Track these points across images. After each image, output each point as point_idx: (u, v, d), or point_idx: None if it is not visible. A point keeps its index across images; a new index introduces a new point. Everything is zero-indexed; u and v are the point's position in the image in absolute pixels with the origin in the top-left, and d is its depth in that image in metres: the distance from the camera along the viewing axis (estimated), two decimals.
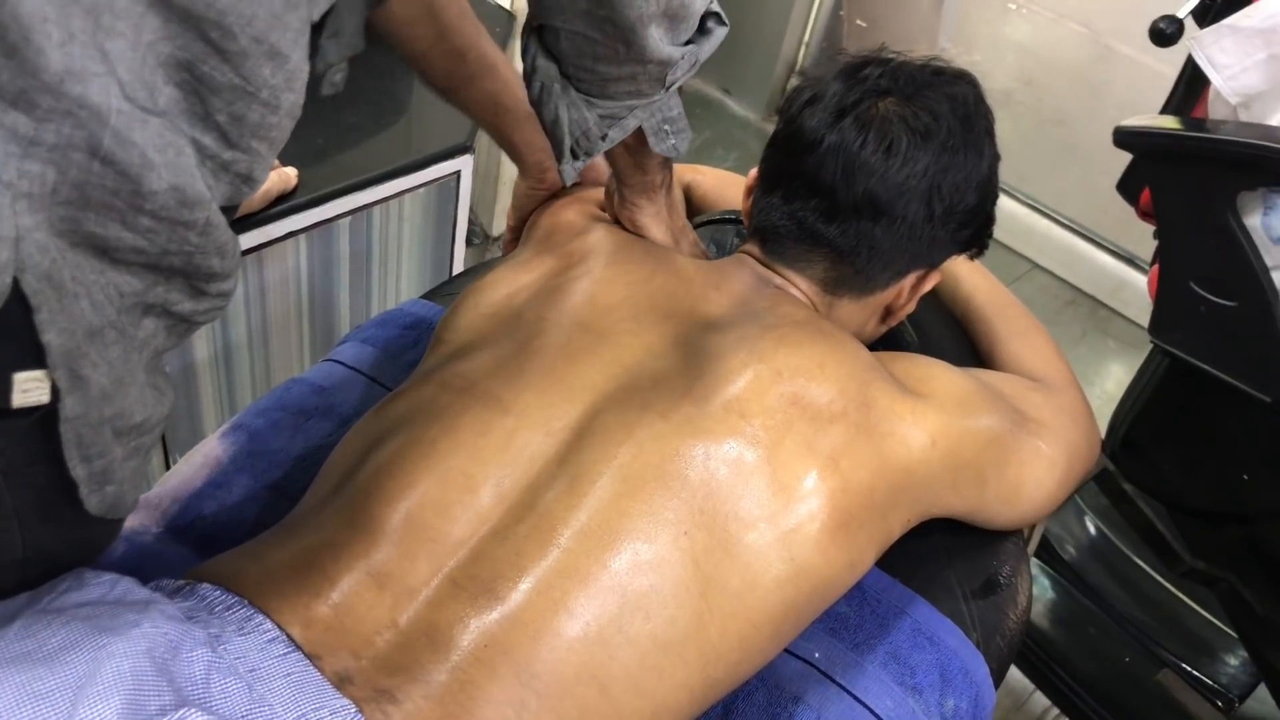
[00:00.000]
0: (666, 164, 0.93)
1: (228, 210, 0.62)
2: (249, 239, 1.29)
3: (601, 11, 0.71)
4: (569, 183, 0.86)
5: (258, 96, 0.57)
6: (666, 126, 0.85)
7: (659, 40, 0.74)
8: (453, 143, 1.47)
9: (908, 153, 0.84)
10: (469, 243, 2.07)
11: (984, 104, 0.90)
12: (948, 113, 0.86)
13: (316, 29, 0.63)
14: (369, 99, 1.48)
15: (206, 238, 0.58)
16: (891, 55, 0.90)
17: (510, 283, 0.89)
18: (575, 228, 0.96)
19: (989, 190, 0.91)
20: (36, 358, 0.54)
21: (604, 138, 0.81)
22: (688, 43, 0.77)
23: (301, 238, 1.38)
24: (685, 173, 1.20)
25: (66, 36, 0.49)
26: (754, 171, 0.97)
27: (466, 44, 0.96)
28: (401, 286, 1.60)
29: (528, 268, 0.90)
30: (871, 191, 0.85)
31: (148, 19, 0.52)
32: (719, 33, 0.79)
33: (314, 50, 0.65)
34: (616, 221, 0.97)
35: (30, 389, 0.54)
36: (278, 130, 0.61)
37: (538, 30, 0.78)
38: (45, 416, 0.57)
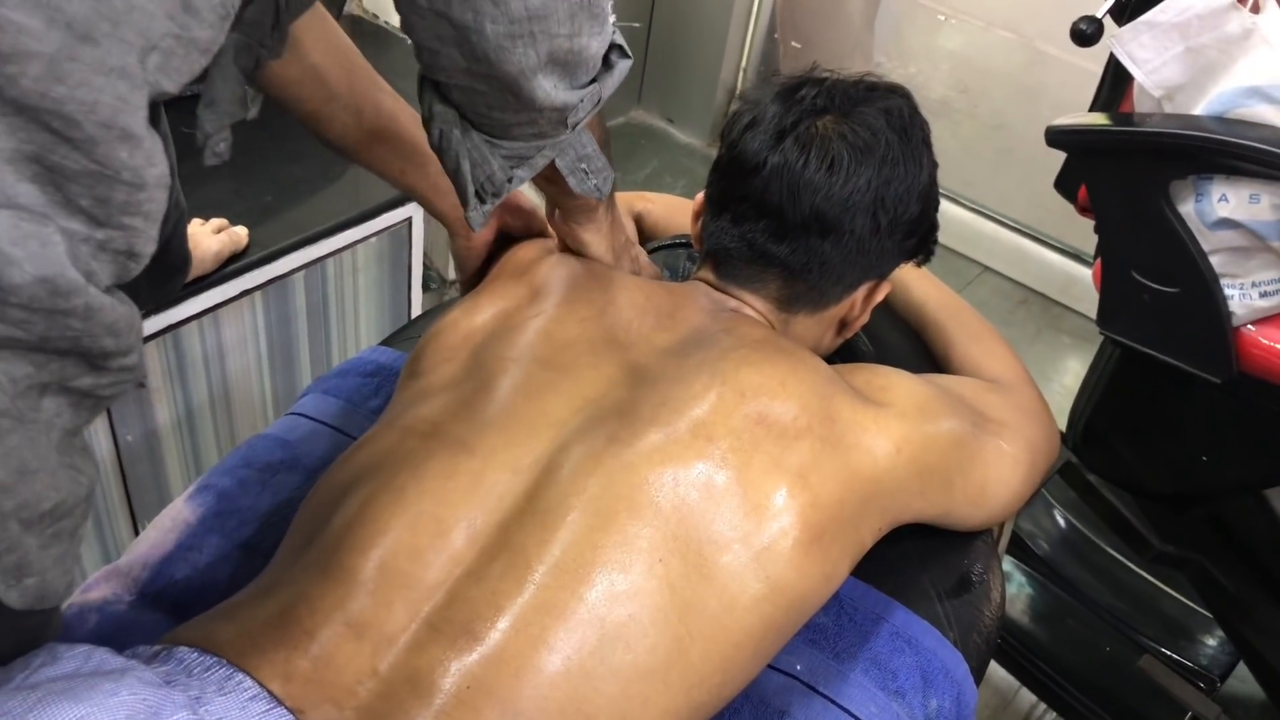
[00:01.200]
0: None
1: (123, 287, 0.59)
2: (204, 300, 1.29)
3: (480, 69, 0.68)
4: (477, 229, 0.81)
5: (119, 179, 0.55)
6: (583, 165, 0.83)
7: (551, 89, 0.70)
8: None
9: (850, 168, 0.87)
10: (425, 288, 2.07)
11: (919, 115, 0.92)
12: (884, 127, 0.88)
13: (191, 98, 0.62)
14: (314, 153, 1.48)
15: (90, 321, 0.56)
16: (825, 74, 0.92)
17: (467, 325, 0.89)
18: (525, 264, 0.96)
19: (930, 198, 0.93)
20: None
21: (510, 180, 0.78)
22: (591, 81, 0.74)
23: (257, 295, 1.38)
24: (635, 201, 1.21)
25: None
26: (700, 196, 0.98)
27: (361, 101, 0.90)
28: (361, 336, 1.60)
29: (482, 309, 0.91)
30: (818, 209, 0.87)
31: None
32: (622, 65, 0.76)
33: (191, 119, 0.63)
34: (563, 246, 0.97)
35: None
36: (150, 204, 0.58)
37: (429, 80, 0.75)
38: None
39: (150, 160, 0.57)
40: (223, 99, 0.72)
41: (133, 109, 0.55)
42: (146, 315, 1.21)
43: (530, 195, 1.02)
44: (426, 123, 0.76)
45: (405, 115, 0.94)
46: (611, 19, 0.72)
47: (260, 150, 1.45)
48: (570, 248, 0.96)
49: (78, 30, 0.50)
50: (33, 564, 0.59)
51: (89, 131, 0.52)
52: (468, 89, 0.71)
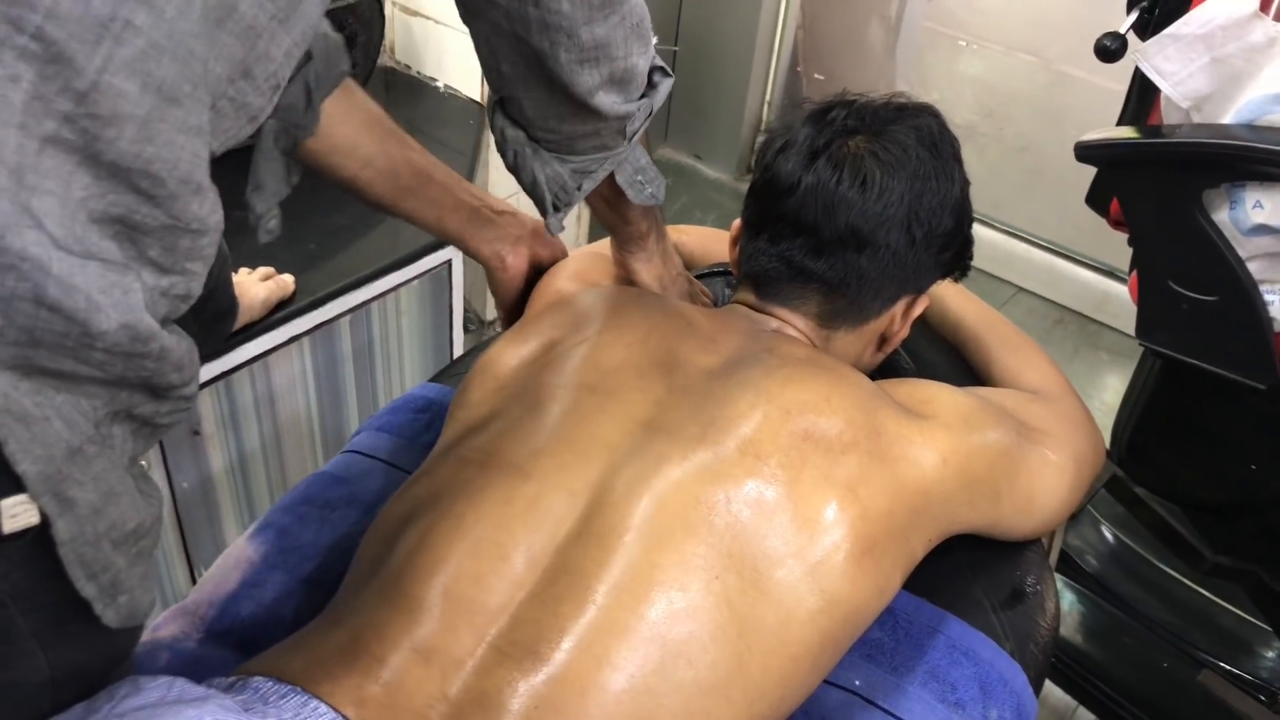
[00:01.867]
0: (648, 213, 0.98)
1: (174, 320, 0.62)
2: (254, 347, 1.32)
3: (556, 89, 0.77)
4: (556, 233, 0.91)
5: (188, 229, 0.58)
6: (639, 177, 0.91)
7: (612, 103, 0.80)
8: None
9: (882, 184, 0.88)
10: (465, 329, 2.10)
11: (948, 131, 0.94)
12: (915, 143, 0.90)
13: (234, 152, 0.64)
14: (355, 202, 1.52)
15: (162, 362, 0.59)
16: (854, 97, 0.94)
17: (514, 355, 0.92)
18: (568, 295, 0.99)
19: (964, 212, 0.95)
20: (18, 484, 0.54)
21: (579, 188, 0.87)
22: (641, 97, 0.84)
23: (305, 340, 1.41)
24: (670, 234, 1.23)
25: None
26: (737, 222, 1.00)
27: (395, 162, 0.96)
28: (405, 377, 1.63)
29: (528, 340, 0.93)
30: (853, 224, 0.89)
31: (78, 177, 0.52)
32: (666, 84, 0.86)
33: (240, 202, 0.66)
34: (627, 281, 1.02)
35: (18, 514, 0.54)
36: (210, 248, 0.62)
37: (500, 103, 0.84)
38: (40, 536, 0.57)
39: (213, 209, 0.61)
40: (269, 181, 0.78)
41: (203, 163, 0.59)
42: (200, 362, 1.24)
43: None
44: (500, 146, 0.86)
45: (435, 167, 1.01)
46: (654, 40, 0.81)
47: (304, 200, 1.48)
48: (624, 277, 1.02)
49: (166, 93, 0.54)
50: (124, 582, 0.63)
51: (171, 188, 0.56)
52: (540, 101, 0.80)
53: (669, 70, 0.86)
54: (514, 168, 0.87)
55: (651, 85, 0.85)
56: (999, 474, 0.88)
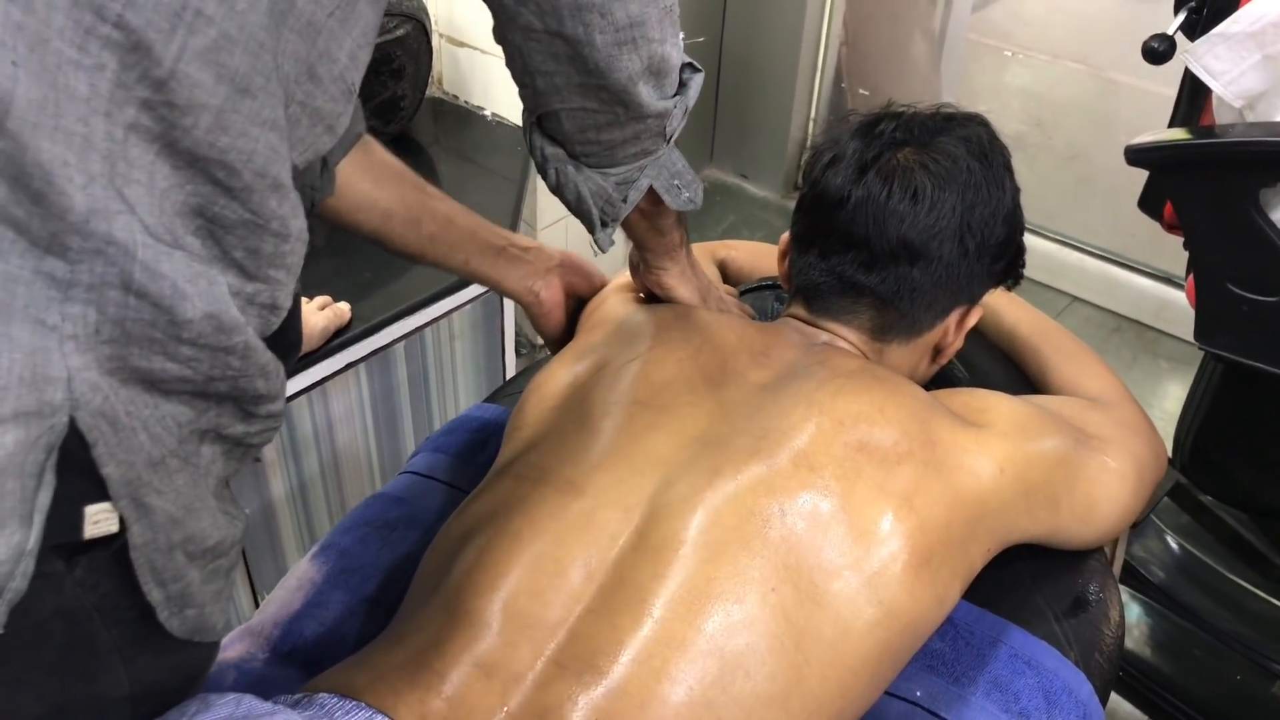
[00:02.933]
0: (680, 224, 0.97)
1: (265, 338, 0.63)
2: (312, 374, 1.34)
3: (593, 82, 0.76)
4: (606, 249, 0.90)
5: (268, 228, 0.59)
6: (677, 182, 0.89)
7: (650, 95, 0.79)
8: None
9: (933, 196, 0.88)
10: (517, 353, 2.12)
11: (998, 140, 0.94)
12: (965, 154, 0.90)
13: None
14: None
15: (248, 360, 0.60)
16: (902, 108, 0.94)
17: (567, 374, 0.93)
18: (617, 315, 1.00)
19: (1016, 221, 0.94)
20: (103, 490, 0.55)
21: (625, 199, 0.86)
22: (675, 95, 0.83)
23: (361, 367, 1.43)
24: (719, 249, 1.24)
25: (87, 179, 0.51)
26: (785, 236, 1.00)
27: (417, 211, 0.97)
28: (460, 401, 1.65)
29: (580, 359, 0.94)
30: (905, 237, 0.89)
31: (159, 166, 0.54)
32: (697, 79, 0.85)
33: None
34: (650, 297, 1.02)
35: (100, 520, 0.56)
36: (292, 256, 0.63)
37: (537, 122, 0.83)
38: (124, 550, 0.58)
39: (295, 212, 0.62)
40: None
41: (282, 160, 0.60)
42: None
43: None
44: (541, 167, 0.85)
45: (458, 213, 1.02)
46: (681, 34, 0.80)
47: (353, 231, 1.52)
48: (658, 297, 1.01)
49: (239, 84, 0.55)
50: (194, 595, 0.64)
51: (246, 180, 0.57)
52: (579, 111, 0.79)
53: (698, 65, 0.85)
54: (557, 187, 0.87)
55: (682, 84, 0.84)
56: (1057, 482, 0.87)
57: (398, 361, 1.50)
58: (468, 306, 1.55)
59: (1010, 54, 2.73)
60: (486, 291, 1.56)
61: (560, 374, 0.94)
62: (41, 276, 0.51)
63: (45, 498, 0.52)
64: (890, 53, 2.85)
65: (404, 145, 1.75)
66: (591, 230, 0.88)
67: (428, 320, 1.47)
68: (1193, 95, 1.29)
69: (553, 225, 2.03)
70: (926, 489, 0.78)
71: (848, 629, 0.74)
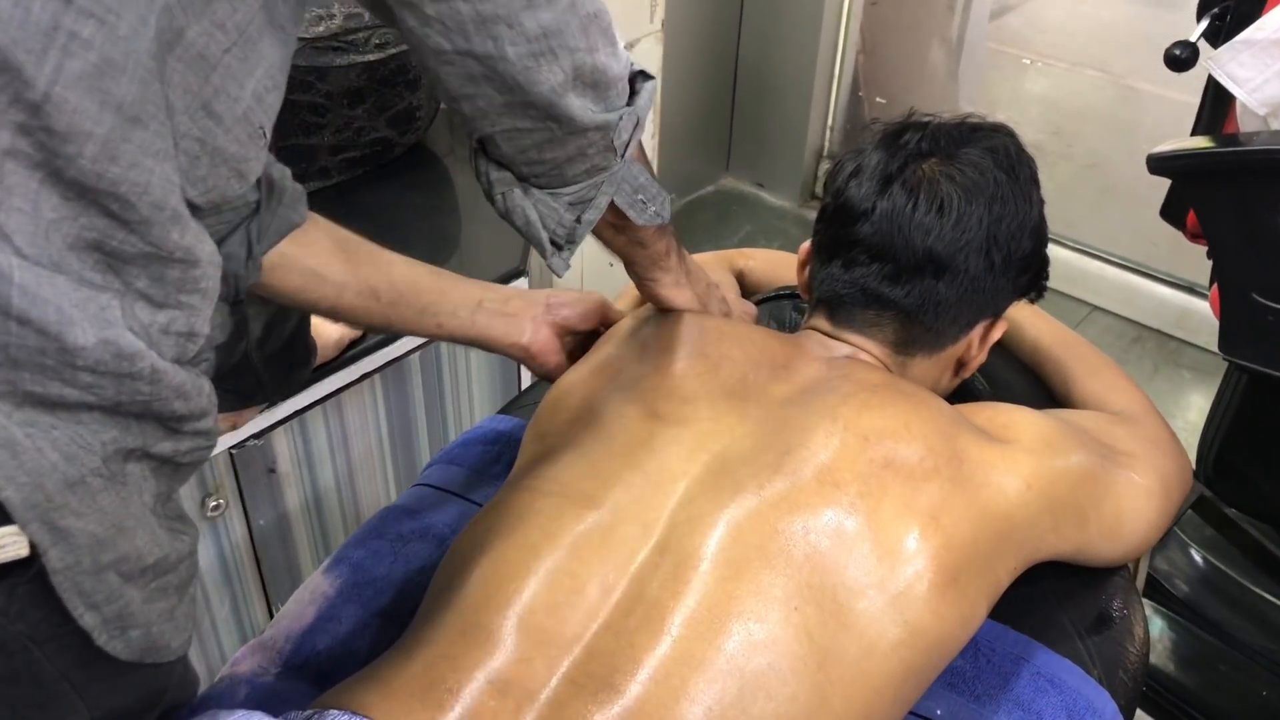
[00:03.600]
0: (663, 231, 0.91)
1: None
2: (327, 385, 1.34)
3: (517, 99, 0.70)
4: (562, 273, 0.84)
5: (172, 258, 0.57)
6: (640, 196, 0.84)
7: (585, 109, 0.73)
8: (506, 269, 1.52)
9: (960, 208, 0.87)
10: None
11: (1024, 152, 0.92)
12: (991, 165, 0.89)
13: None
14: (422, 241, 1.54)
15: (157, 385, 0.58)
16: (927, 118, 0.93)
17: (586, 386, 0.91)
18: (635, 326, 0.99)
19: (1041, 234, 0.93)
20: (7, 518, 0.53)
21: (579, 220, 0.80)
22: (626, 106, 0.77)
23: (376, 378, 1.42)
24: (736, 258, 1.23)
25: None
26: (806, 245, 0.99)
27: (372, 281, 0.91)
28: (475, 412, 1.64)
29: (599, 371, 0.93)
30: (931, 249, 0.87)
31: (44, 195, 0.51)
32: (648, 87, 0.79)
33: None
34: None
35: (6, 544, 0.54)
36: (205, 281, 0.60)
37: (479, 147, 0.78)
38: (44, 573, 0.56)
39: (200, 238, 0.60)
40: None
41: (177, 189, 0.57)
42: (274, 403, 1.26)
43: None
44: (488, 193, 0.80)
45: (421, 273, 0.95)
46: (624, 48, 0.75)
47: (370, 240, 1.52)
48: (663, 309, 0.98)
49: (127, 113, 0.53)
50: (135, 616, 0.62)
51: (143, 213, 0.55)
52: (512, 132, 0.73)
53: (649, 73, 0.80)
54: (504, 212, 0.80)
55: (634, 93, 0.78)
56: (1084, 498, 0.85)
57: (413, 372, 1.49)
58: None
59: (1029, 62, 2.71)
60: None
61: (578, 386, 0.93)
62: None
63: None
64: (908, 61, 2.83)
65: (420, 156, 1.74)
66: (543, 255, 0.82)
67: None
68: (1216, 103, 1.27)
69: (510, 287, 2.02)
70: (953, 506, 0.77)
71: (872, 649, 0.72)
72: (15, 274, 0.51)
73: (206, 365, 0.66)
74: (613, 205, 0.82)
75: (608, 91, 0.74)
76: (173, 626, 0.66)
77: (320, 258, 0.87)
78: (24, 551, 0.54)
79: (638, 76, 0.78)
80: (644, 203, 0.84)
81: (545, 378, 1.03)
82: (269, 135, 0.67)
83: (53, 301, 0.52)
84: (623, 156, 0.79)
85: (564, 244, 0.81)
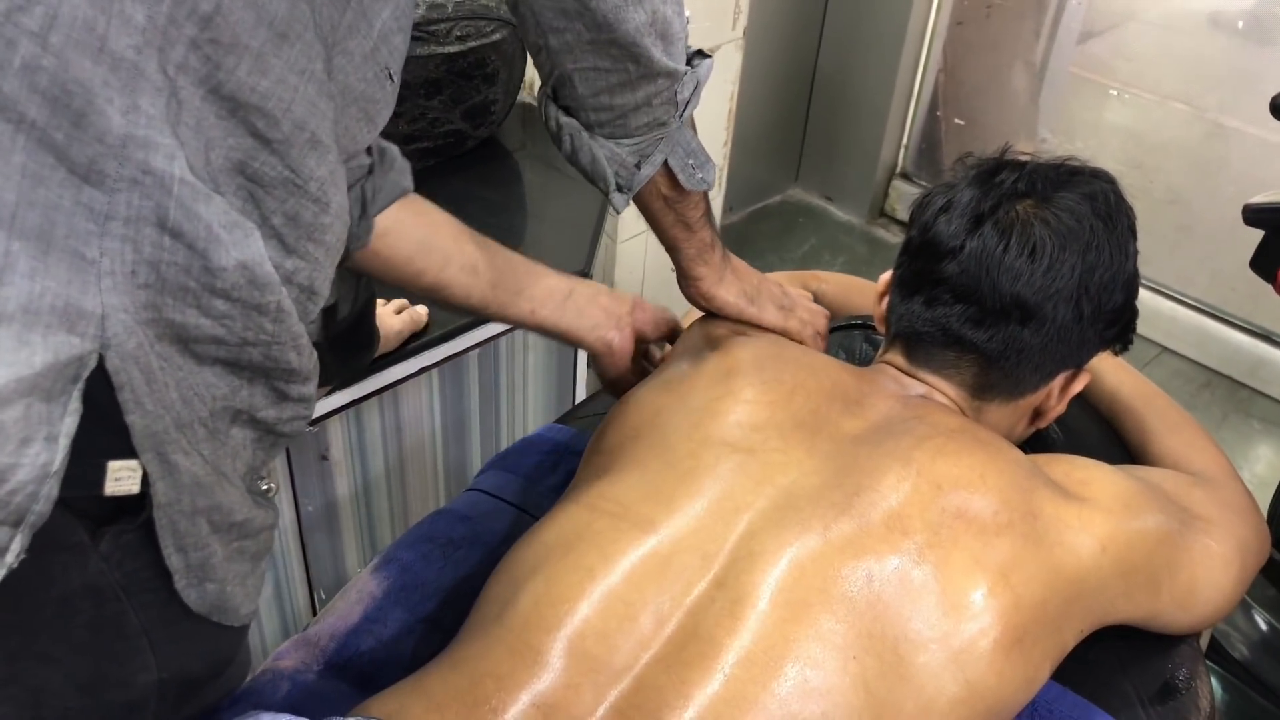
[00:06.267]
0: (709, 222, 0.96)
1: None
2: (386, 376, 1.33)
3: (603, 37, 0.77)
4: (621, 210, 0.90)
5: (307, 190, 0.60)
6: (690, 161, 0.90)
7: (660, 52, 0.80)
8: (570, 270, 1.50)
9: (1053, 255, 0.84)
10: (589, 366, 2.11)
11: (1124, 201, 0.89)
12: (1089, 213, 0.86)
13: None
14: (487, 233, 1.52)
15: (280, 325, 0.60)
16: (1025, 157, 0.90)
17: (654, 403, 0.89)
18: (714, 339, 0.97)
19: (1134, 287, 0.90)
20: (126, 447, 0.56)
21: (638, 166, 0.87)
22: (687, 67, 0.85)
23: (434, 372, 1.42)
24: (809, 280, 1.20)
25: (130, 105, 0.51)
26: (886, 276, 0.97)
27: (475, 258, 0.93)
28: (529, 413, 1.63)
29: (670, 388, 0.90)
30: (1019, 295, 0.84)
31: (205, 111, 0.54)
32: (708, 63, 0.87)
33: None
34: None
35: (122, 477, 0.56)
36: (331, 233, 0.63)
37: (552, 94, 0.84)
38: (148, 525, 0.59)
39: (335, 181, 0.62)
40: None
41: (322, 114, 0.60)
42: (332, 391, 1.26)
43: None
44: (556, 136, 0.87)
45: (519, 259, 0.98)
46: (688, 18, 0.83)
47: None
48: (713, 313, 1.00)
49: (278, 28, 0.56)
50: (215, 569, 0.64)
51: (285, 131, 0.57)
52: (591, 72, 0.80)
53: (707, 52, 0.87)
54: (571, 152, 0.87)
55: (692, 65, 0.86)
56: (1159, 563, 0.82)
57: (470, 369, 1.49)
58: None
59: (1115, 92, 2.65)
60: None
61: (646, 402, 0.90)
62: (81, 208, 0.51)
63: (71, 424, 0.52)
64: (989, 83, 2.78)
65: (491, 150, 1.74)
66: (606, 191, 0.88)
67: (503, 330, 1.46)
68: None
69: (634, 238, 2.00)
70: (1025, 564, 0.74)
71: (929, 706, 0.70)
72: (175, 187, 0.53)
73: (313, 327, 0.69)
74: (666, 171, 0.89)
75: (674, 45, 0.81)
76: (243, 591, 0.68)
77: (429, 229, 0.90)
78: (136, 487, 0.57)
79: (696, 55, 0.86)
80: (693, 168, 0.90)
81: (612, 380, 1.05)
82: (396, 81, 0.71)
83: (205, 219, 0.55)
84: (681, 116, 0.86)
85: (625, 186, 0.88)
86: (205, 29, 0.53)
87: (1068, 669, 0.82)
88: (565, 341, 1.02)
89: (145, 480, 0.57)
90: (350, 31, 0.63)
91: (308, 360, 0.65)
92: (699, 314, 1.06)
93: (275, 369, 0.62)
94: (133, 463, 0.56)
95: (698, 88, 0.86)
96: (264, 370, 0.62)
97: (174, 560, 0.61)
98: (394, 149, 0.80)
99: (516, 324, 0.99)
